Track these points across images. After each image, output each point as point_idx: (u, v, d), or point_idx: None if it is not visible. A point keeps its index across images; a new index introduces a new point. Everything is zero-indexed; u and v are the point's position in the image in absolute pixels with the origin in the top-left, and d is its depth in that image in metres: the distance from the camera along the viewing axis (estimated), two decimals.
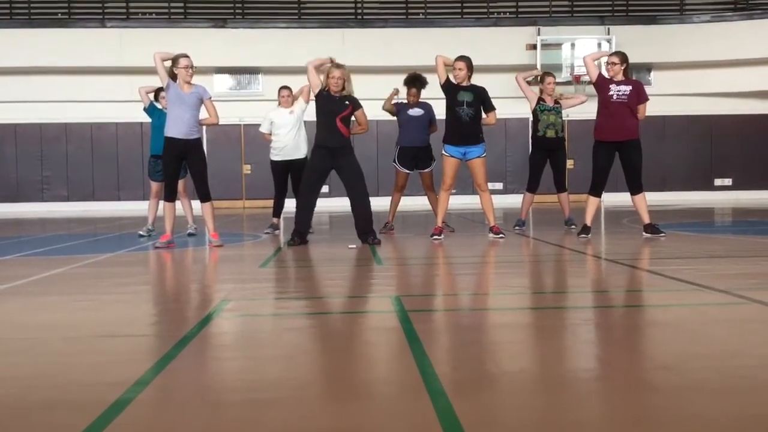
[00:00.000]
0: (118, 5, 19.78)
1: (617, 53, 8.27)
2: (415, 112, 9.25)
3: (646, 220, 8.21)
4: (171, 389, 2.72)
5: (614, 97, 7.92)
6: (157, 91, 9.28)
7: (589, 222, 8.24)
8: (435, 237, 8.30)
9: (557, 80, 9.93)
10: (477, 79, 8.43)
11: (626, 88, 7.94)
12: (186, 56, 7.74)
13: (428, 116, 9.31)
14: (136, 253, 7.88)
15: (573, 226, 9.42)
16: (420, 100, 9.30)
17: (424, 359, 2.97)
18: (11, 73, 18.66)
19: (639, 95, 7.98)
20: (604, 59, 8.44)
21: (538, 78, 9.93)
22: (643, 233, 8.20)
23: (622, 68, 7.99)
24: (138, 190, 18.46)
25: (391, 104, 9.31)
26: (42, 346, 3.45)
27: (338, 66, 7.95)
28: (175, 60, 7.72)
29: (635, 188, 8.16)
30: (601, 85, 8.03)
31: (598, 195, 8.24)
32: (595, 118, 8.21)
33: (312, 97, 8.46)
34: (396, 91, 9.35)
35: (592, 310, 4.28)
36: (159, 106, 9.26)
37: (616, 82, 7.96)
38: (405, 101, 9.33)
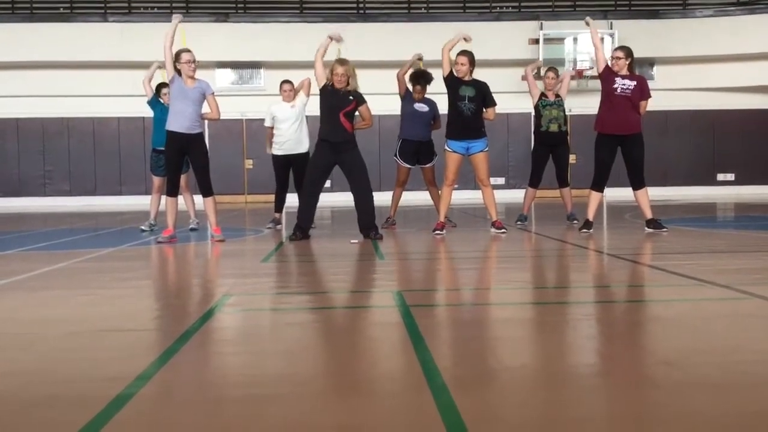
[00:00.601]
0: None
1: (622, 48, 8.25)
2: (420, 107, 9.25)
3: (649, 215, 8.20)
4: (173, 384, 2.72)
5: (618, 90, 7.90)
6: (159, 87, 9.27)
7: (591, 217, 8.22)
8: (437, 232, 8.29)
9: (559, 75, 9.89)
10: (479, 74, 8.42)
11: (631, 83, 7.93)
12: (188, 51, 7.73)
13: (432, 113, 9.31)
14: (137, 247, 7.89)
15: (575, 221, 9.41)
16: (425, 96, 9.30)
17: (426, 354, 2.97)
18: (13, 67, 18.65)
19: (642, 91, 7.97)
20: (608, 55, 8.41)
21: (539, 70, 9.93)
22: (645, 228, 8.20)
23: (627, 63, 7.98)
24: (140, 185, 18.46)
25: (405, 75, 9.24)
26: (43, 340, 3.46)
27: (342, 62, 7.93)
28: (177, 55, 7.71)
29: (637, 183, 8.14)
30: (607, 77, 8.01)
31: (601, 190, 8.23)
32: (596, 113, 8.20)
33: (314, 90, 8.46)
34: (419, 57, 9.26)
35: (594, 306, 4.28)
36: (161, 101, 9.25)
37: (621, 75, 7.95)
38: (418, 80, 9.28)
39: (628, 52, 8.08)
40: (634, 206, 10.39)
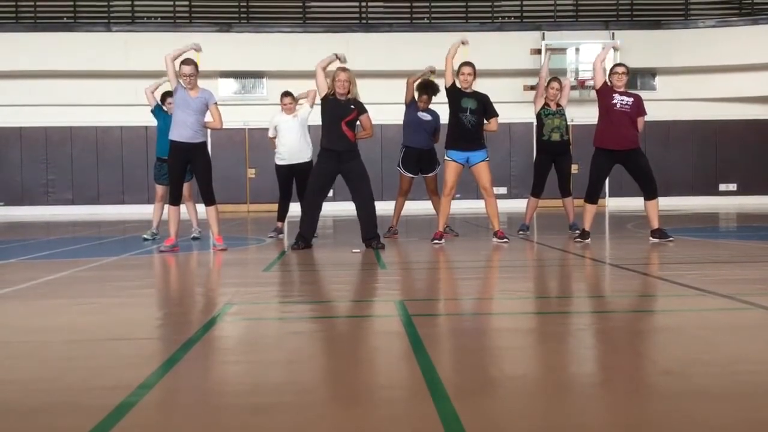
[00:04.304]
0: (124, 9, 19.85)
1: (623, 64, 8.42)
2: (424, 116, 9.29)
3: (655, 225, 8.23)
4: (175, 393, 2.73)
5: (618, 105, 8.03)
6: (164, 96, 9.28)
7: (588, 227, 8.29)
8: (435, 242, 8.31)
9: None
10: (481, 84, 8.45)
11: (629, 99, 8.09)
12: (189, 64, 7.71)
13: (434, 123, 9.36)
14: (140, 256, 7.89)
15: (577, 231, 9.41)
16: (429, 107, 9.34)
17: (428, 364, 2.97)
18: (17, 76, 18.72)
19: (639, 108, 8.13)
20: (609, 66, 8.48)
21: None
22: (650, 238, 8.21)
23: (627, 79, 8.15)
24: (143, 194, 18.49)
25: (414, 83, 9.25)
26: (45, 349, 3.46)
27: (344, 69, 8.00)
28: (182, 63, 7.73)
29: (651, 193, 8.20)
30: (605, 93, 8.12)
31: (595, 202, 8.34)
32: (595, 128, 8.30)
33: (317, 101, 8.50)
34: (432, 70, 9.26)
35: (596, 315, 4.27)
36: (165, 110, 9.26)
37: (619, 92, 8.06)
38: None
39: (627, 68, 8.25)
40: (636, 216, 10.41)
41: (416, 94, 9.28)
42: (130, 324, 4.08)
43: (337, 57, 8.21)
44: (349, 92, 7.99)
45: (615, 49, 8.38)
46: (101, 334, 3.82)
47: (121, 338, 3.68)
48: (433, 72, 9.30)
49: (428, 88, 9.20)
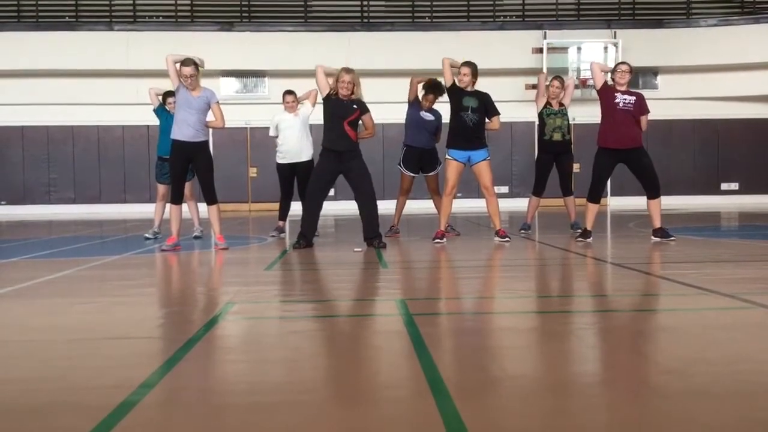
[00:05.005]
0: (126, 8, 19.85)
1: (627, 63, 8.38)
2: (426, 115, 9.30)
3: (657, 224, 8.22)
4: (176, 392, 2.73)
5: (620, 104, 8.00)
6: (165, 96, 9.29)
7: (589, 227, 8.29)
8: (437, 241, 8.32)
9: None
10: (483, 83, 8.45)
11: (631, 98, 8.06)
12: (189, 65, 7.69)
13: (437, 123, 9.36)
14: (142, 255, 7.90)
15: (579, 230, 9.41)
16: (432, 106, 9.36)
17: (429, 363, 2.97)
18: (18, 75, 18.73)
19: (642, 106, 8.08)
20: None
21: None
22: (652, 237, 8.21)
23: (630, 78, 8.13)
24: (144, 193, 18.52)
25: (419, 84, 9.22)
26: (46, 348, 3.46)
27: (348, 71, 7.99)
28: (182, 64, 7.73)
29: (654, 192, 8.18)
30: (607, 92, 8.10)
31: (598, 201, 8.33)
32: (598, 128, 8.28)
33: (319, 100, 8.50)
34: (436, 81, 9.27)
35: (597, 314, 4.27)
36: (167, 109, 9.26)
37: (621, 91, 8.04)
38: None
39: (631, 67, 8.22)
40: (638, 215, 10.39)
41: (421, 93, 9.27)
42: (131, 323, 4.08)
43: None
44: (353, 93, 7.99)
45: (621, 64, 8.30)
46: (102, 333, 3.82)
47: (123, 337, 3.69)
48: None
49: (435, 88, 9.20)
